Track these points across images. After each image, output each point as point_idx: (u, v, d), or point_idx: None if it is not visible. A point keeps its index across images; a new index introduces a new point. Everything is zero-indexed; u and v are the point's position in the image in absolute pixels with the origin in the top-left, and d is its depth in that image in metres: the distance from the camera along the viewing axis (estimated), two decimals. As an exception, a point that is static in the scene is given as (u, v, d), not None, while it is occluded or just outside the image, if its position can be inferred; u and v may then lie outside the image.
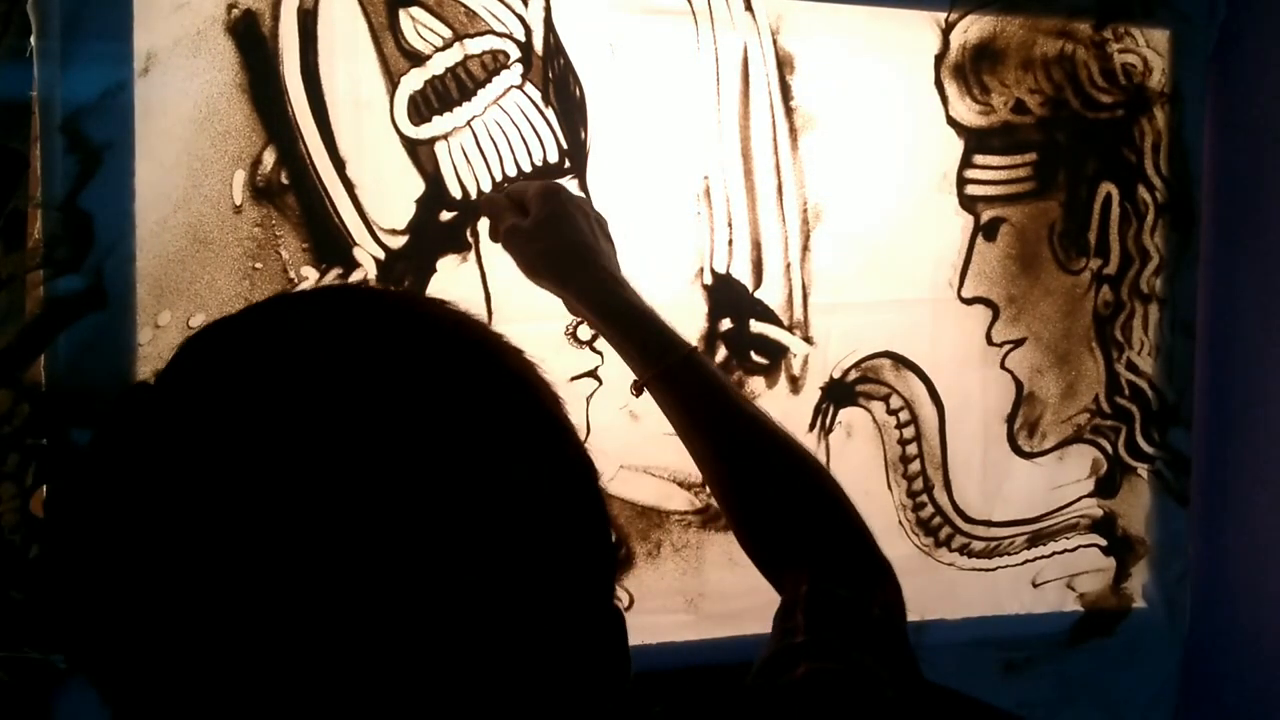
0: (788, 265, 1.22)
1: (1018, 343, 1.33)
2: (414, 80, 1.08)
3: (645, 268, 1.17)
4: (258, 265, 1.04)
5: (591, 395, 1.14)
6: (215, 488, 0.40)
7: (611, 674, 0.46)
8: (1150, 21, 1.35)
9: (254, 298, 1.04)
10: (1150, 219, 1.37)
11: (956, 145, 1.28)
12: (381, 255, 1.08)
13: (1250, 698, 1.37)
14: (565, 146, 1.13)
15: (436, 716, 0.40)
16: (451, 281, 1.10)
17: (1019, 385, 1.33)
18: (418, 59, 1.08)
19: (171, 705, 0.40)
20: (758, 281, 1.21)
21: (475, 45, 1.09)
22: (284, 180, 1.04)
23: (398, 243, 1.08)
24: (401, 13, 1.07)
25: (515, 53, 1.11)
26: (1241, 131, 1.38)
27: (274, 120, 1.04)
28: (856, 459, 1.26)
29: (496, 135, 1.10)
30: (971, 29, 1.27)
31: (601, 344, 1.14)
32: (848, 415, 1.26)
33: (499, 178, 1.11)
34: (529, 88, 1.11)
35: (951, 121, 1.27)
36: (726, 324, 1.20)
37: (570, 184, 1.13)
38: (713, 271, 1.19)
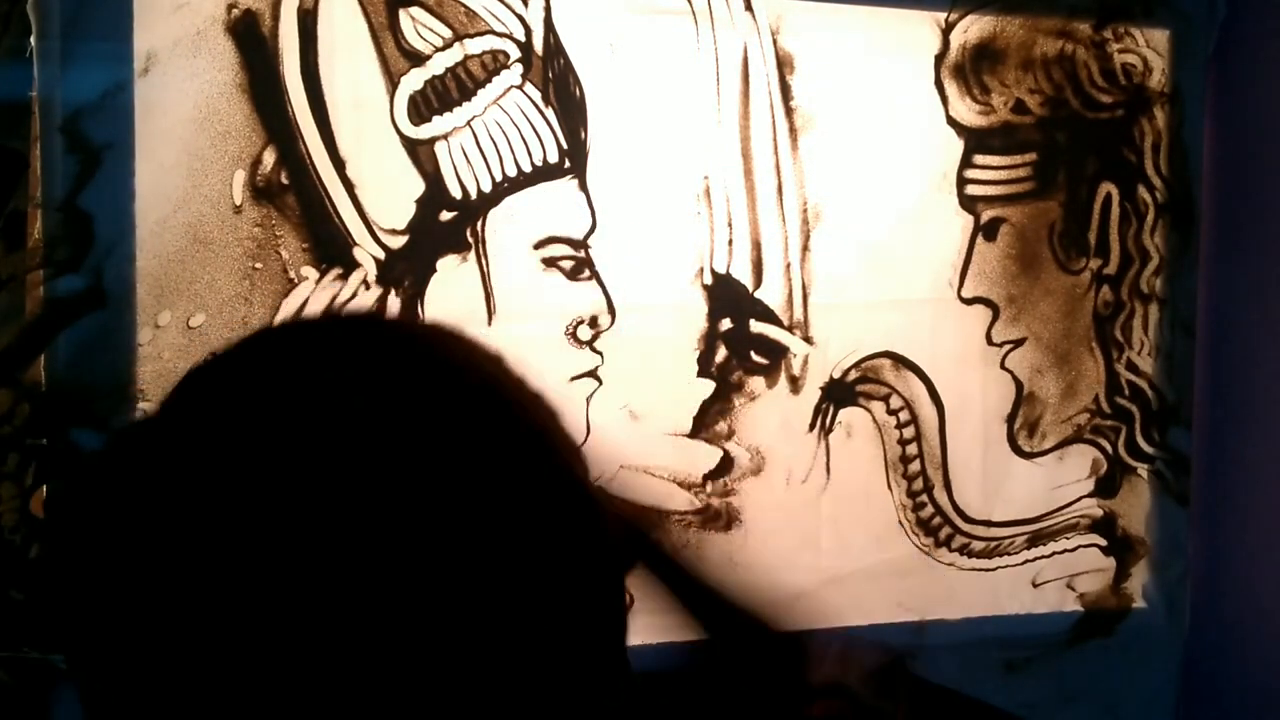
0: (788, 265, 1.22)
1: (1018, 343, 1.33)
2: (414, 80, 1.08)
3: (645, 268, 1.17)
4: (258, 265, 1.04)
5: (591, 395, 1.14)
6: (212, 512, 0.40)
7: (605, 671, 0.46)
8: (1150, 21, 1.35)
9: (254, 298, 1.04)
10: (1150, 219, 1.37)
11: (956, 145, 1.28)
12: (381, 255, 1.08)
13: (1250, 698, 1.37)
14: (565, 146, 1.13)
15: None
16: (451, 281, 1.10)
17: (1019, 385, 1.33)
18: (418, 59, 1.08)
19: (163, 711, 0.40)
20: (758, 281, 1.21)
21: (475, 45, 1.09)
22: (284, 180, 1.04)
23: (398, 243, 1.08)
24: (401, 13, 1.07)
25: (515, 53, 1.11)
26: (1241, 131, 1.38)
27: (274, 120, 1.03)
28: (856, 459, 1.26)
29: (496, 135, 1.10)
30: (971, 29, 1.27)
31: (601, 344, 1.14)
32: (848, 415, 1.26)
33: (499, 178, 1.11)
34: (529, 88, 1.11)
35: (951, 121, 1.27)
36: (726, 324, 1.20)
37: (570, 184, 1.13)
38: (713, 271, 1.19)
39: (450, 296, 1.10)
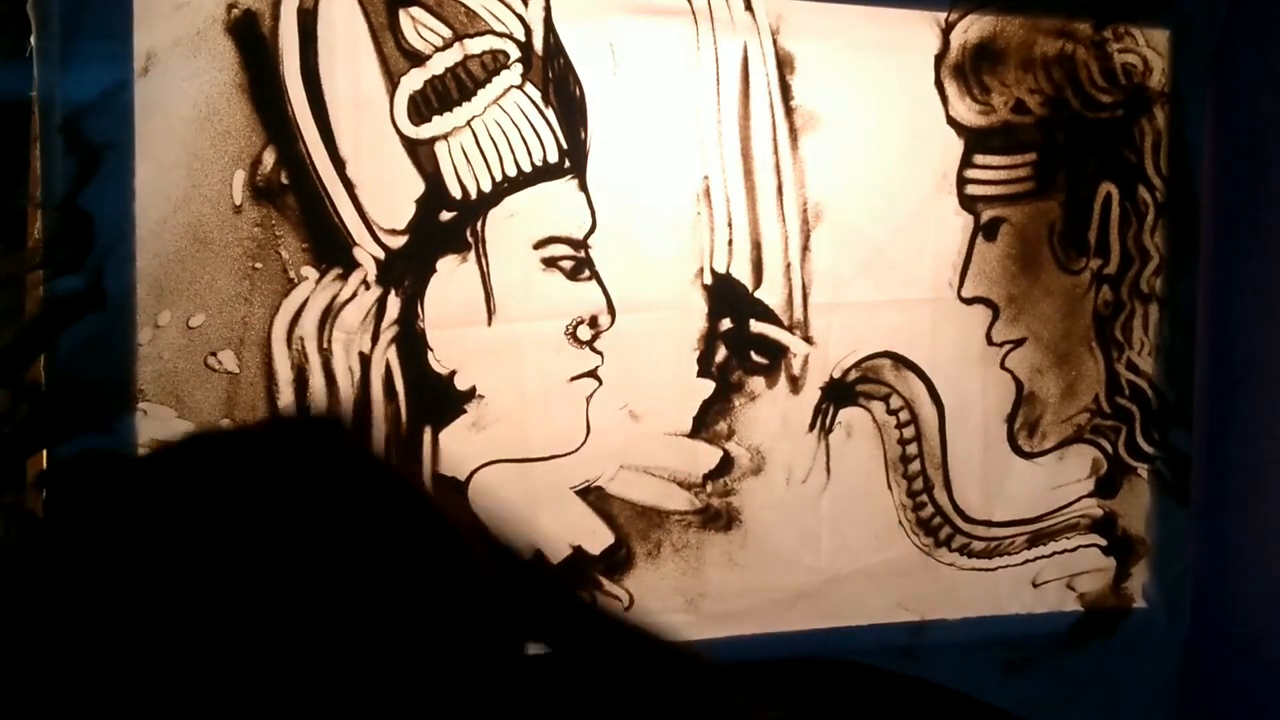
0: (788, 265, 1.22)
1: (1018, 343, 1.33)
2: (414, 80, 1.08)
3: (645, 268, 1.17)
4: (258, 265, 1.04)
5: (591, 395, 1.15)
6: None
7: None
8: (1150, 21, 1.35)
9: (254, 298, 1.04)
10: (1150, 219, 1.37)
11: (956, 145, 1.28)
12: (381, 255, 1.08)
13: (1250, 698, 1.37)
14: (565, 146, 1.13)
15: None
16: (451, 281, 1.10)
17: (1019, 385, 1.33)
18: (418, 59, 1.08)
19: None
20: (758, 281, 1.21)
21: (475, 45, 1.09)
22: (284, 180, 1.04)
23: (398, 243, 1.08)
24: (401, 13, 1.07)
25: (515, 53, 1.11)
26: (1241, 131, 1.38)
27: (274, 120, 1.04)
28: (856, 459, 1.26)
29: (496, 135, 1.10)
30: (971, 29, 1.27)
31: (601, 344, 1.14)
32: (848, 415, 1.26)
33: (499, 177, 1.11)
34: (529, 88, 1.11)
35: (951, 121, 1.27)
36: (726, 324, 1.20)
37: (570, 184, 1.13)
38: (713, 271, 1.19)
39: (450, 296, 1.10)
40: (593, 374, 1.15)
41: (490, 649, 0.54)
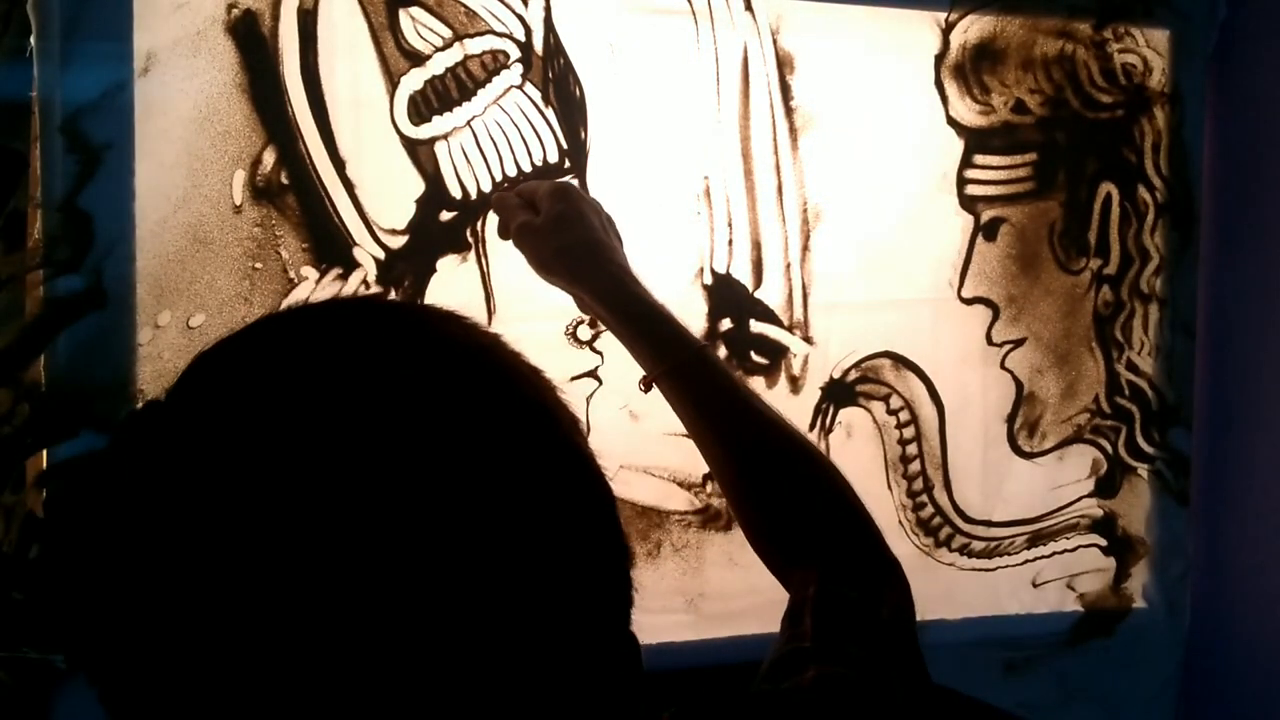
0: (788, 265, 1.22)
1: (1018, 343, 1.33)
2: (414, 80, 1.08)
3: (645, 268, 1.16)
4: (258, 265, 1.04)
5: (591, 395, 1.15)
6: (223, 501, 0.40)
7: (625, 697, 0.46)
8: (1150, 21, 1.35)
9: (254, 298, 1.04)
10: (1150, 219, 1.37)
11: (956, 145, 1.28)
12: (381, 255, 1.08)
13: (1250, 698, 1.37)
14: (565, 146, 1.13)
15: None
16: (451, 282, 1.10)
17: (1019, 385, 1.33)
18: (418, 59, 1.08)
19: (174, 708, 0.40)
20: (758, 281, 1.21)
21: (475, 45, 1.09)
22: (284, 180, 1.04)
23: (398, 243, 1.08)
24: (401, 13, 1.07)
25: (515, 53, 1.11)
26: (1241, 131, 1.38)
27: (274, 120, 1.03)
28: (856, 459, 1.26)
29: (496, 135, 1.10)
30: (971, 29, 1.27)
31: (601, 344, 1.14)
32: (848, 415, 1.26)
33: (499, 178, 1.11)
34: (529, 88, 1.11)
35: (951, 121, 1.27)
36: (726, 324, 1.20)
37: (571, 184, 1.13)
38: (713, 271, 1.19)
39: (450, 296, 1.10)
40: (593, 374, 1.15)
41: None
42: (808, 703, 0.64)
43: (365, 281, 1.07)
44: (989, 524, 1.33)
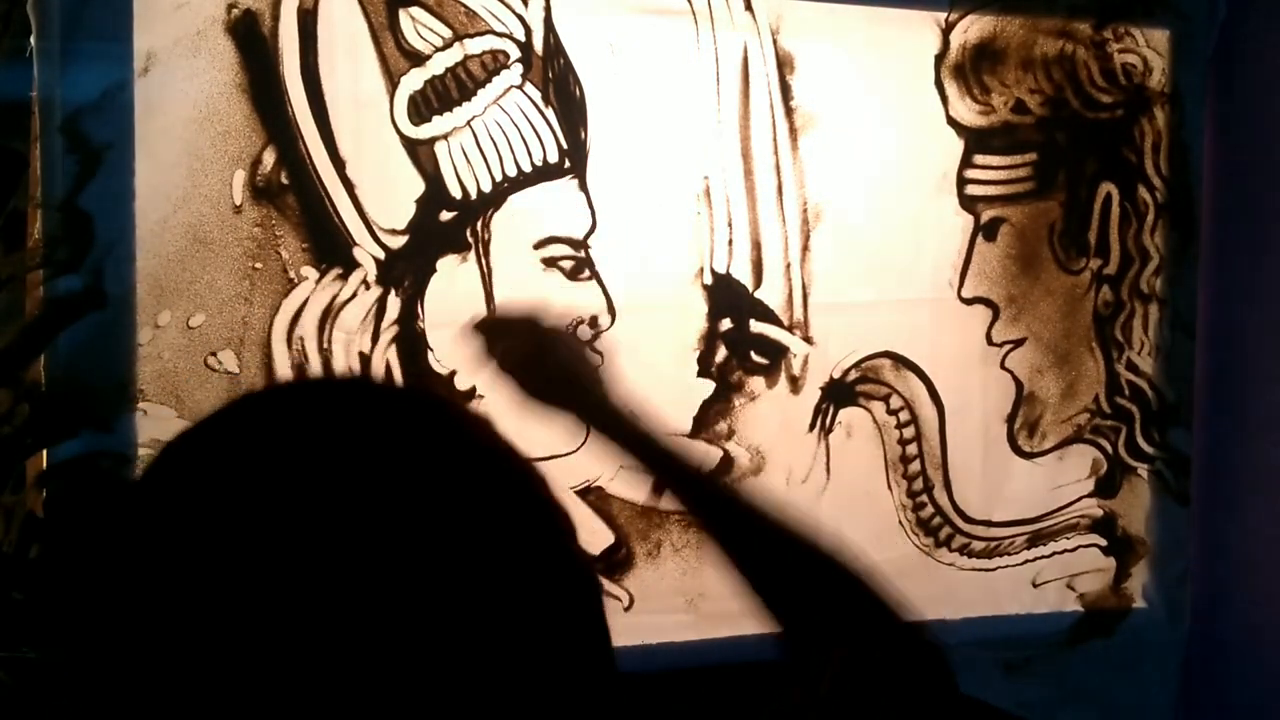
0: (788, 265, 1.22)
1: (1018, 343, 1.33)
2: (414, 80, 1.08)
3: (645, 268, 1.17)
4: (258, 265, 1.04)
5: (591, 395, 1.14)
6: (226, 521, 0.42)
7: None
8: (1150, 21, 1.35)
9: (254, 298, 1.04)
10: (1150, 219, 1.37)
11: (956, 145, 1.28)
12: (381, 255, 1.08)
13: (1250, 698, 1.37)
14: (565, 146, 1.13)
15: None
16: (451, 281, 1.10)
17: (1019, 385, 1.33)
18: (418, 59, 1.08)
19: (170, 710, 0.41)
20: (758, 281, 1.21)
21: (475, 45, 1.09)
22: (284, 180, 1.04)
23: (398, 242, 1.08)
24: (401, 13, 1.07)
25: (515, 53, 1.11)
26: (1241, 131, 1.38)
27: (274, 120, 1.03)
28: (856, 459, 1.26)
29: (496, 135, 1.10)
30: (971, 29, 1.27)
31: (601, 344, 1.14)
32: (848, 415, 1.26)
33: (499, 177, 1.11)
34: (529, 88, 1.11)
35: (951, 121, 1.27)
36: (726, 324, 1.20)
37: (570, 184, 1.13)
38: (713, 271, 1.19)
39: (450, 296, 1.10)
40: (593, 374, 1.14)
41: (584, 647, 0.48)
42: None
43: (365, 281, 1.07)
44: (989, 524, 1.33)
